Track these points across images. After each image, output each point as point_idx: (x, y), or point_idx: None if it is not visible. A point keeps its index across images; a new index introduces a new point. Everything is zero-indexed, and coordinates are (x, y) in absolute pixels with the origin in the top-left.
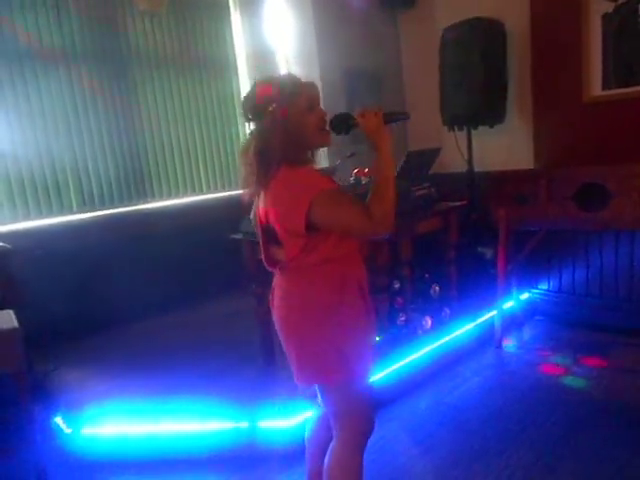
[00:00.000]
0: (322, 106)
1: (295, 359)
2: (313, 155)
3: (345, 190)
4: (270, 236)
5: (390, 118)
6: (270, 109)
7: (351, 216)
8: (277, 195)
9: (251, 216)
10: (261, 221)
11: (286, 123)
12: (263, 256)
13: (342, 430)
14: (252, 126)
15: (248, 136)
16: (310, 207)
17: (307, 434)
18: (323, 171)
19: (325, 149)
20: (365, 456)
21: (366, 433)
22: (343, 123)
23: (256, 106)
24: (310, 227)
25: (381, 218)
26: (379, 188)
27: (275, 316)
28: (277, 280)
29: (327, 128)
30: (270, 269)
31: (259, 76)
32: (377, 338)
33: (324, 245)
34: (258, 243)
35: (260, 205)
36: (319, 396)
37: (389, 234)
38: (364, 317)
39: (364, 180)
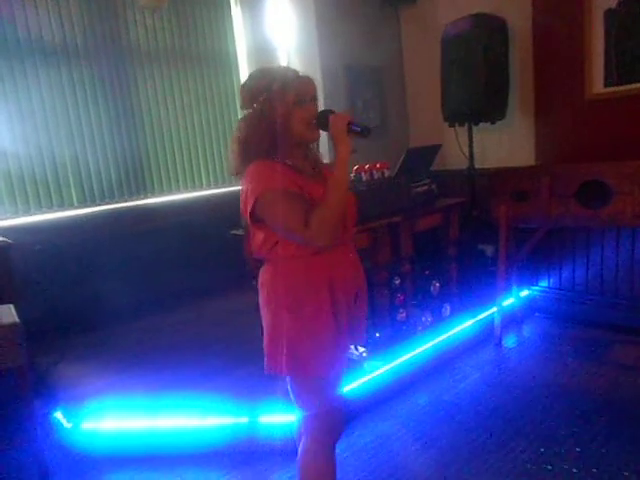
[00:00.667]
0: (322, 101)
1: (265, 344)
2: (309, 150)
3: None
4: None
5: (351, 127)
6: (260, 99)
7: (287, 220)
8: (242, 186)
9: None
10: None
11: (272, 115)
12: (245, 243)
13: (306, 427)
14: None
15: (238, 124)
16: (255, 204)
17: (296, 433)
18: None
19: (326, 146)
20: (364, 452)
21: (333, 435)
22: (324, 120)
23: (248, 96)
24: (257, 220)
25: (318, 227)
26: (324, 197)
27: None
28: None
29: (313, 123)
30: (250, 255)
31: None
32: (353, 347)
33: (287, 242)
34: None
35: None
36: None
37: (327, 244)
38: (329, 320)
39: (364, 177)
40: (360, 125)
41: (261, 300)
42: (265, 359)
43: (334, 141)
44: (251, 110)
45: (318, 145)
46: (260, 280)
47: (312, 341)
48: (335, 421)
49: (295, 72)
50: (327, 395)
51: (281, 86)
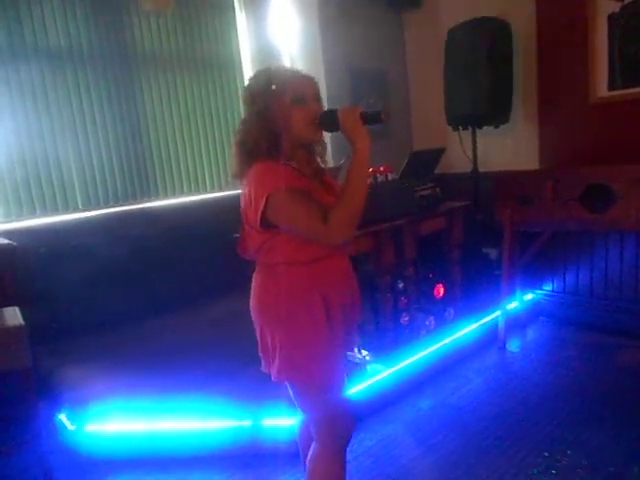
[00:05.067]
0: (326, 104)
1: (259, 348)
2: (312, 155)
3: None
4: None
5: (368, 118)
6: (258, 100)
7: (304, 218)
8: (246, 188)
9: None
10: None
11: (269, 115)
12: (238, 243)
13: (318, 435)
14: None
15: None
16: (266, 204)
17: (298, 435)
18: (298, 169)
19: (329, 149)
20: (367, 456)
21: (343, 439)
22: (328, 119)
23: (247, 97)
24: (267, 224)
25: (338, 225)
26: (345, 193)
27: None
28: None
29: (315, 123)
30: (241, 256)
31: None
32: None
33: (285, 246)
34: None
35: None
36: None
37: (345, 242)
38: (324, 330)
39: (368, 180)
40: (373, 112)
41: (252, 304)
42: (263, 360)
43: (350, 137)
44: (248, 111)
45: (324, 152)
46: (253, 284)
47: (306, 350)
48: (344, 426)
49: (296, 71)
50: (330, 400)
51: (279, 85)
